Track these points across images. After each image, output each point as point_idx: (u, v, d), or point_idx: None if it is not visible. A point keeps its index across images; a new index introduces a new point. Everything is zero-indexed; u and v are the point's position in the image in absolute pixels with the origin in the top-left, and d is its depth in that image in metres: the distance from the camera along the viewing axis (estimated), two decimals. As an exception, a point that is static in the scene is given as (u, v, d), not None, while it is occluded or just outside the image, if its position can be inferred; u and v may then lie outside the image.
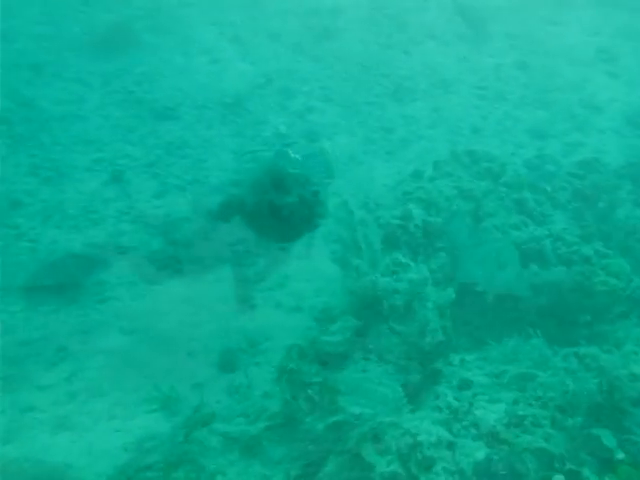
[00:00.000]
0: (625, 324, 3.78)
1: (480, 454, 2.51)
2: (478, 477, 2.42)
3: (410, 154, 8.74)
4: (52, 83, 8.40)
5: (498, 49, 11.85)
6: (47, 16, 9.46)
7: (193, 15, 10.24)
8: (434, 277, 4.06)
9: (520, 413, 2.60)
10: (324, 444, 3.01)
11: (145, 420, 4.53)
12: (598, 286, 3.96)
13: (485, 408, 2.76)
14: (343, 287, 3.44)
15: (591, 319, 4.03)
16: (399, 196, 4.65)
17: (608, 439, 2.17)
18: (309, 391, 3.21)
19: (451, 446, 2.60)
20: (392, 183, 5.52)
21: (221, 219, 3.51)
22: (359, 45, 10.93)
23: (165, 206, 6.93)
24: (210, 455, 3.43)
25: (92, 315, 5.49)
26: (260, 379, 4.92)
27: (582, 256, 4.11)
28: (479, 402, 2.84)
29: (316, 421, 3.10)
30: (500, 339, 4.53)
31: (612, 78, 11.63)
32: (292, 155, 3.68)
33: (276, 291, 6.15)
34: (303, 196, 3.58)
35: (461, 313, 4.60)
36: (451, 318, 4.07)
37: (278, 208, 3.37)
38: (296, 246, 6.83)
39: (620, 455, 2.11)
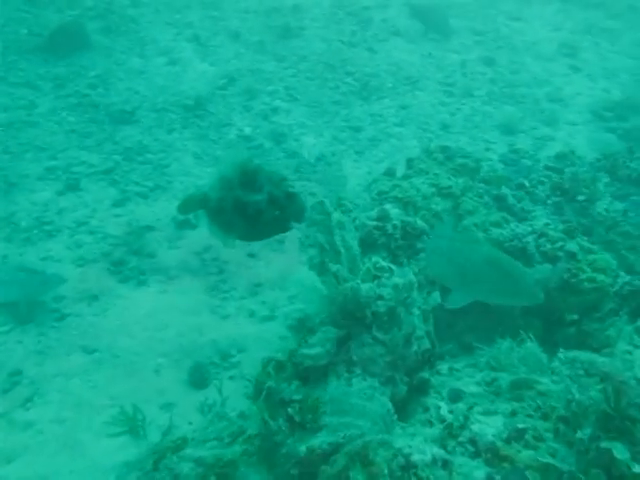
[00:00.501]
0: (615, 322, 3.67)
1: (480, 473, 2.32)
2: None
3: (380, 153, 8.60)
4: (-1, 88, 7.96)
5: (463, 45, 11.87)
6: (-9, 18, 9.00)
7: (147, 15, 9.90)
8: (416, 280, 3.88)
9: (520, 426, 2.41)
10: (308, 468, 2.77)
11: (110, 446, 4.21)
12: (585, 283, 3.84)
13: (481, 421, 2.57)
14: (321, 295, 3.20)
15: (579, 318, 3.91)
16: (374, 196, 4.45)
17: (620, 452, 2.00)
18: (289, 410, 2.97)
19: (447, 465, 2.40)
20: (365, 183, 5.33)
21: (181, 213, 3.23)
22: (322, 43, 10.77)
23: (126, 214, 6.60)
24: (183, 484, 3.15)
25: (50, 334, 5.13)
26: (234, 396, 4.64)
27: (567, 252, 3.99)
28: (473, 415, 2.65)
29: (298, 443, 2.86)
30: (488, 343, 4.38)
31: (575, 72, 11.76)
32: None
33: (248, 300, 5.89)
34: (274, 195, 3.34)
35: (442, 315, 4.44)
36: (433, 321, 3.91)
37: (243, 205, 3.11)
38: (266, 252, 6.61)
39: (637, 469, 1.94)
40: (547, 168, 5.23)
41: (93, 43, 8.82)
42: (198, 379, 4.93)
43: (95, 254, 5.98)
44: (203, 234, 6.58)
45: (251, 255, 6.43)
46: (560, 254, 4.06)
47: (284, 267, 6.39)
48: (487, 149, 5.80)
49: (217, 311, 5.66)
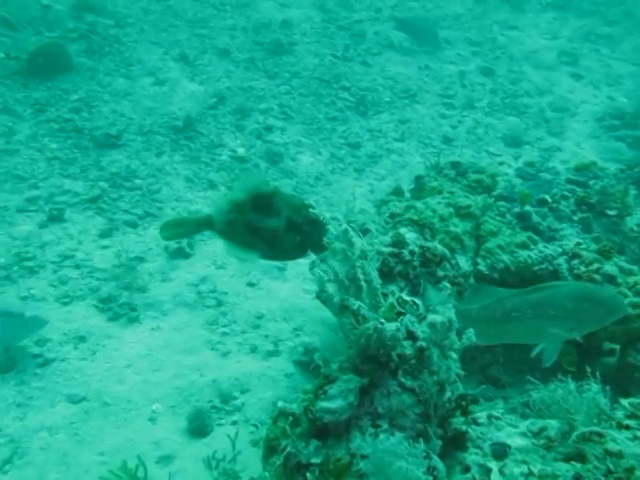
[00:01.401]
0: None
1: None
2: None
3: (381, 170, 8.30)
4: (-24, 115, 7.62)
5: (460, 56, 11.67)
6: (-32, 42, 8.68)
7: (132, 35, 9.63)
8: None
9: (592, 497, 2.04)
10: None
11: (102, 512, 3.79)
12: (628, 309, 3.50)
13: (540, 487, 2.20)
14: (340, 337, 2.84)
15: (623, 348, 3.56)
16: (387, 219, 4.11)
17: None
18: (308, 475, 2.58)
19: None
20: (368, 201, 5.01)
21: (166, 237, 2.94)
22: (315, 58, 10.53)
23: (114, 245, 6.23)
24: None
25: (32, 383, 4.71)
26: (239, 443, 4.24)
27: (605, 275, 3.66)
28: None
29: (321, 516, 2.47)
30: (517, 377, 4.01)
31: (577, 80, 11.57)
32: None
33: (250, 333, 5.51)
34: (293, 221, 3.05)
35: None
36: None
37: (257, 230, 2.98)
38: (267, 281, 6.24)
39: None
40: (569, 181, 4.92)
41: (75, 65, 8.51)
42: (198, 426, 4.52)
43: (82, 290, 5.59)
44: (198, 263, 6.22)
45: (251, 284, 6.07)
46: (597, 277, 3.72)
47: (286, 296, 6.03)
48: (502, 163, 5.52)
49: (217, 348, 5.27)
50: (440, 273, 3.69)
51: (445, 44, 12.03)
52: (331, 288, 2.72)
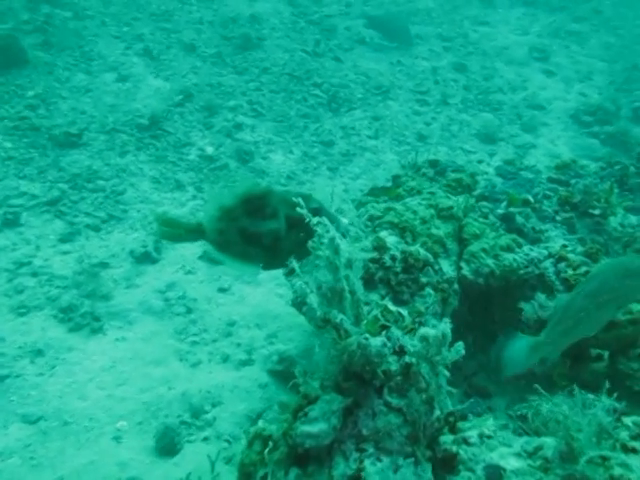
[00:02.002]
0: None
1: None
2: None
3: (355, 168, 8.11)
4: None
5: (432, 52, 11.56)
6: None
7: (92, 28, 9.22)
8: (422, 325, 3.35)
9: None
10: None
11: None
12: (618, 315, 3.37)
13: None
14: (320, 347, 2.62)
15: (612, 354, 3.44)
16: (366, 221, 3.91)
17: None
18: (289, 509, 2.37)
19: None
20: (350, 204, 4.81)
21: (161, 236, 2.68)
22: (285, 54, 10.28)
23: (75, 251, 5.90)
24: None
25: (-16, 403, 4.38)
26: (208, 465, 4.00)
27: (592, 278, 3.53)
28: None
29: None
30: (506, 390, 3.87)
31: (549, 76, 11.59)
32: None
33: (221, 342, 5.26)
34: (294, 218, 2.72)
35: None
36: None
37: (255, 237, 2.69)
38: (239, 285, 5.99)
39: None
40: (551, 180, 4.80)
41: (31, 59, 8.08)
42: (167, 445, 4.27)
43: (39, 300, 5.25)
44: (166, 269, 5.93)
45: (222, 290, 5.82)
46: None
47: (259, 301, 5.79)
48: (481, 161, 5.39)
49: (186, 358, 5.00)
50: (423, 279, 3.51)
51: (417, 40, 11.92)
52: (313, 301, 2.50)
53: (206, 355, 5.05)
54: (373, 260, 3.53)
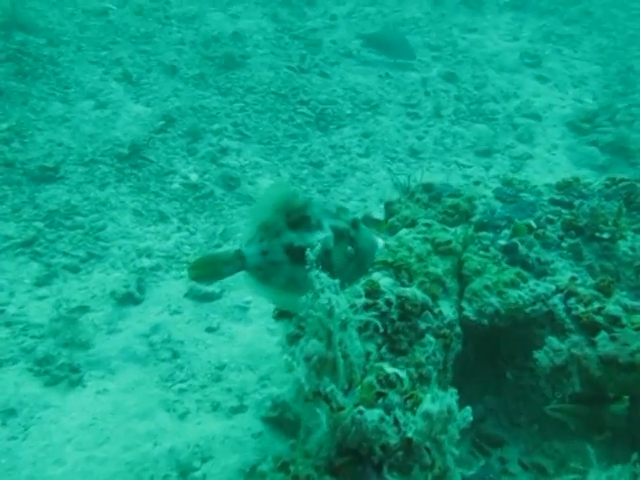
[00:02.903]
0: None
1: None
2: None
3: (346, 189, 7.87)
4: None
5: (421, 62, 11.37)
6: None
7: (68, 54, 9.00)
8: (423, 377, 3.08)
9: None
10: None
11: None
12: (638, 356, 3.11)
13: None
14: (316, 428, 2.36)
15: (631, 400, 3.17)
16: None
17: None
18: None
19: None
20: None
21: (196, 279, 2.41)
22: (270, 72, 10.07)
23: (52, 295, 5.61)
24: None
25: (-48, 472, 4.08)
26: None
27: (608, 316, 3.27)
28: None
29: None
30: (520, 439, 3.61)
31: (542, 83, 11.40)
32: None
33: (211, 388, 4.97)
34: (340, 228, 2.51)
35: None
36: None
37: (303, 250, 2.27)
38: (228, 323, 5.72)
39: None
40: (553, 202, 4.56)
41: (4, 90, 7.84)
42: (153, 510, 3.97)
43: (13, 352, 4.96)
44: (150, 309, 5.65)
45: (210, 330, 5.54)
46: (599, 319, 3.33)
47: (251, 340, 5.52)
48: (478, 182, 5.15)
49: (174, 408, 4.72)
50: (422, 325, 3.25)
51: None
52: (301, 374, 2.23)
53: (194, 404, 4.76)
54: (367, 306, 3.27)
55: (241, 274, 2.50)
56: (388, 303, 3.29)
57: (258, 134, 8.57)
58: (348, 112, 9.48)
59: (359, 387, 2.47)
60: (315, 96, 9.64)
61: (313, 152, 8.42)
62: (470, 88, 10.69)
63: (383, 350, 3.17)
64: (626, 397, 3.26)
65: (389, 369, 2.56)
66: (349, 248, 2.52)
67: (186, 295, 5.83)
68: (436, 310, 3.34)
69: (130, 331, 5.35)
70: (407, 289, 3.33)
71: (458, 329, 3.40)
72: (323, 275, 2.33)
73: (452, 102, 10.20)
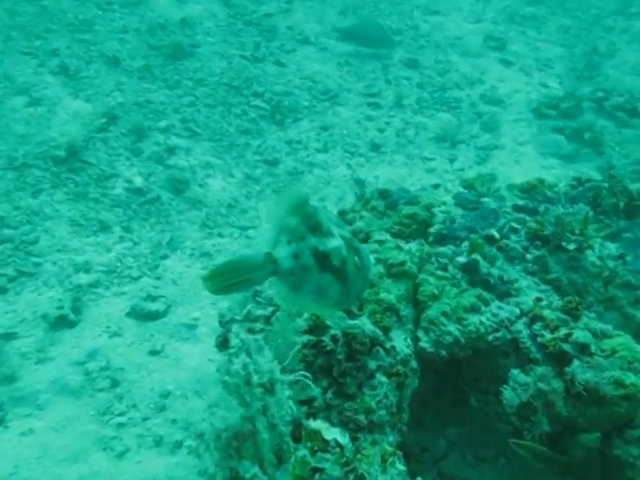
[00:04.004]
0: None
1: None
2: None
3: (304, 189, 7.48)
4: None
5: (374, 44, 10.89)
6: None
7: (-4, 47, 8.36)
8: (373, 425, 2.77)
9: None
10: None
11: None
12: (610, 390, 2.85)
13: None
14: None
15: (606, 437, 2.92)
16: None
17: None
18: None
19: None
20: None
21: (217, 292, 2.25)
22: (222, 61, 9.56)
23: (-23, 320, 5.13)
24: None
25: None
26: None
27: (577, 344, 3.01)
28: None
29: None
30: (486, 477, 3.33)
31: (507, 67, 11.14)
32: None
33: (153, 420, 4.61)
34: (347, 238, 2.43)
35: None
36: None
37: (326, 257, 2.28)
38: (174, 344, 5.34)
39: None
40: (517, 208, 4.27)
41: None
42: None
43: None
44: (86, 333, 5.23)
45: (154, 352, 5.15)
46: (566, 347, 3.06)
47: (199, 363, 5.15)
48: (437, 186, 4.84)
49: (111, 446, 4.34)
50: (372, 365, 2.93)
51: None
52: (209, 462, 1.90)
53: (134, 440, 4.39)
54: (310, 345, 2.93)
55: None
56: (334, 339, 2.96)
57: (209, 131, 8.11)
58: (305, 104, 9.07)
59: (292, 466, 2.14)
60: (270, 87, 9.20)
61: (268, 149, 8.01)
62: (433, 74, 10.36)
63: (329, 395, 2.85)
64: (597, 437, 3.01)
65: (328, 433, 2.24)
66: (356, 259, 2.45)
67: (128, 314, 5.42)
68: (388, 345, 3.02)
69: (63, 359, 4.92)
70: (355, 323, 3.00)
71: (414, 364, 3.09)
72: (242, 332, 2.01)
73: (414, 90, 9.87)
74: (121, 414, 4.57)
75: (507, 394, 3.04)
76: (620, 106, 9.24)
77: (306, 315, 3.06)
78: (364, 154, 8.21)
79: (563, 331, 3.09)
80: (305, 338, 2.95)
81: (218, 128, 8.17)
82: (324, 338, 2.96)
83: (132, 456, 4.31)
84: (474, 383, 3.67)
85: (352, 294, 2.53)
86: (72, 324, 5.22)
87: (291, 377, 2.46)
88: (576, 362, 3.01)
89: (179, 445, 4.41)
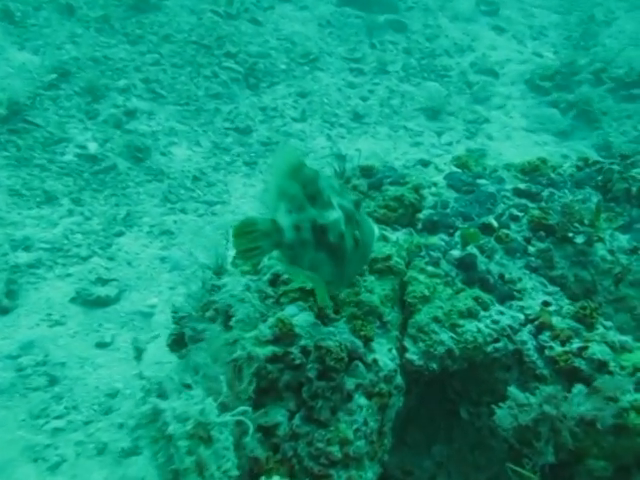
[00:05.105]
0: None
1: None
2: None
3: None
4: None
5: (365, 6, 10.29)
6: None
7: None
8: (349, 458, 2.30)
9: None
10: None
11: None
12: (632, 416, 2.43)
13: None
14: None
15: (620, 470, 2.51)
16: (266, 287, 2.78)
17: None
18: None
19: None
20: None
21: (243, 258, 2.08)
22: (191, 16, 8.85)
23: None
24: None
25: None
26: None
27: (592, 360, 2.57)
28: None
29: None
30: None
31: (499, 34, 10.61)
32: None
33: (97, 423, 4.11)
34: (348, 210, 2.24)
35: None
36: None
37: (324, 231, 2.11)
38: (127, 333, 4.82)
39: None
40: (518, 193, 3.80)
41: None
42: None
43: None
44: (22, 321, 4.67)
45: (102, 345, 4.62)
46: (580, 364, 2.62)
47: (154, 356, 4.63)
48: (425, 164, 4.34)
49: (43, 456, 3.83)
50: (350, 384, 2.45)
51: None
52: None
53: (72, 448, 3.88)
54: (274, 358, 2.44)
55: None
56: (304, 351, 2.47)
57: (174, 93, 7.46)
58: (283, 67, 8.44)
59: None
60: (244, 47, 8.53)
61: (240, 115, 7.40)
62: (421, 40, 9.78)
63: (297, 421, 2.37)
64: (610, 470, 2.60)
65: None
66: (356, 232, 2.25)
67: (73, 300, 4.87)
68: (369, 358, 2.55)
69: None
70: (331, 332, 2.51)
71: (399, 380, 2.62)
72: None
73: (401, 56, 9.29)
74: (58, 417, 4.05)
75: (501, 416, 2.60)
76: (619, 79, 8.79)
77: (271, 320, 2.56)
78: (345, 124, 7.65)
79: (576, 344, 2.65)
80: (269, 349, 2.46)
81: (185, 91, 7.52)
82: (292, 350, 2.47)
83: (68, 468, 3.80)
84: (465, 392, 3.24)
85: (347, 274, 2.33)
86: (5, 311, 4.66)
87: (229, 418, 1.95)
88: (576, 388, 2.56)
89: (126, 454, 3.92)
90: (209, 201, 6.20)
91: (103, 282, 5.07)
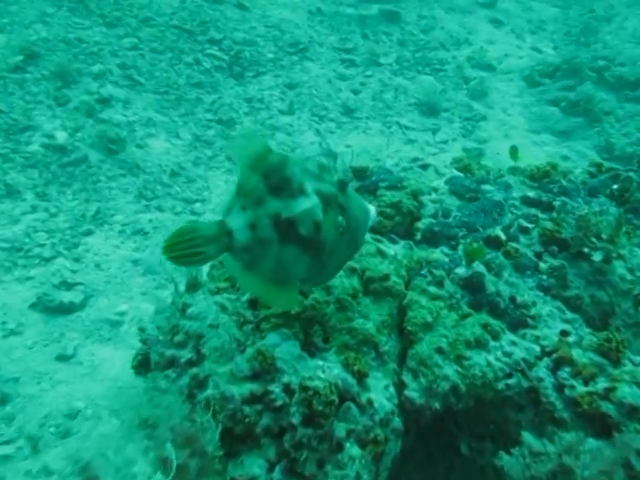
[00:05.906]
0: None
1: None
2: None
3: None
4: None
5: (359, -3, 9.93)
6: None
7: None
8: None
9: None
10: None
11: None
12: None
13: None
14: None
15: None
16: (244, 309, 2.43)
17: None
18: None
19: None
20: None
21: (175, 262, 1.79)
22: (174, -1, 8.41)
23: None
24: None
25: None
26: None
27: (622, 405, 2.26)
28: None
29: None
30: None
31: (497, 27, 10.29)
32: None
33: (49, 452, 3.73)
34: (327, 194, 2.03)
35: None
36: None
37: (291, 224, 1.91)
38: (91, 345, 4.43)
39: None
40: (527, 202, 3.47)
41: None
42: None
43: None
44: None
45: (63, 357, 4.24)
46: (608, 408, 2.29)
47: (120, 370, 4.24)
48: (424, 166, 4.03)
49: None
50: (340, 431, 2.10)
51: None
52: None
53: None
54: (252, 399, 2.09)
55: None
56: (288, 390, 2.12)
57: (153, 81, 7.04)
58: (270, 56, 8.05)
59: None
60: (230, 34, 8.12)
61: (223, 106, 7.00)
62: (416, 31, 9.42)
63: (276, 474, 2.02)
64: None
65: None
66: (339, 218, 2.10)
67: (33, 306, 4.47)
68: (363, 398, 2.20)
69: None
70: (318, 366, 2.17)
71: (397, 422, 2.28)
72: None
73: (395, 48, 8.93)
74: (7, 442, 3.66)
75: (509, 464, 2.27)
76: (622, 77, 8.51)
77: (250, 351, 2.20)
78: (335, 119, 7.29)
79: (602, 384, 2.33)
80: (246, 388, 2.10)
81: (165, 78, 7.10)
82: (273, 388, 2.12)
83: (18, 491, 3.43)
84: (466, 425, 2.91)
85: (329, 267, 2.16)
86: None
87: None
88: (588, 444, 2.23)
89: None
90: (188, 198, 5.81)
91: (68, 286, 4.67)
